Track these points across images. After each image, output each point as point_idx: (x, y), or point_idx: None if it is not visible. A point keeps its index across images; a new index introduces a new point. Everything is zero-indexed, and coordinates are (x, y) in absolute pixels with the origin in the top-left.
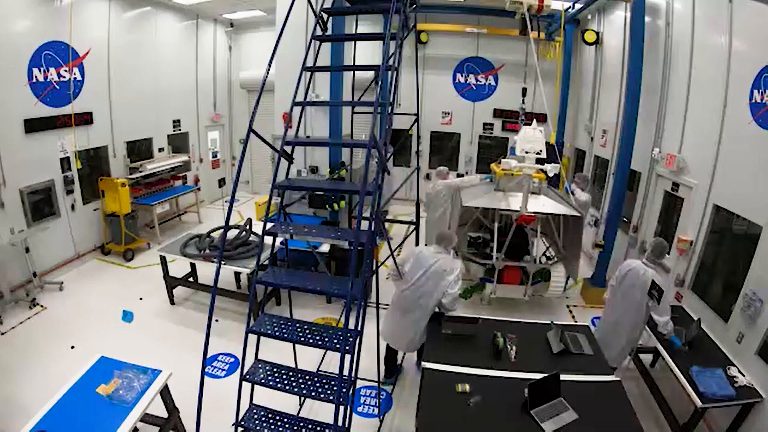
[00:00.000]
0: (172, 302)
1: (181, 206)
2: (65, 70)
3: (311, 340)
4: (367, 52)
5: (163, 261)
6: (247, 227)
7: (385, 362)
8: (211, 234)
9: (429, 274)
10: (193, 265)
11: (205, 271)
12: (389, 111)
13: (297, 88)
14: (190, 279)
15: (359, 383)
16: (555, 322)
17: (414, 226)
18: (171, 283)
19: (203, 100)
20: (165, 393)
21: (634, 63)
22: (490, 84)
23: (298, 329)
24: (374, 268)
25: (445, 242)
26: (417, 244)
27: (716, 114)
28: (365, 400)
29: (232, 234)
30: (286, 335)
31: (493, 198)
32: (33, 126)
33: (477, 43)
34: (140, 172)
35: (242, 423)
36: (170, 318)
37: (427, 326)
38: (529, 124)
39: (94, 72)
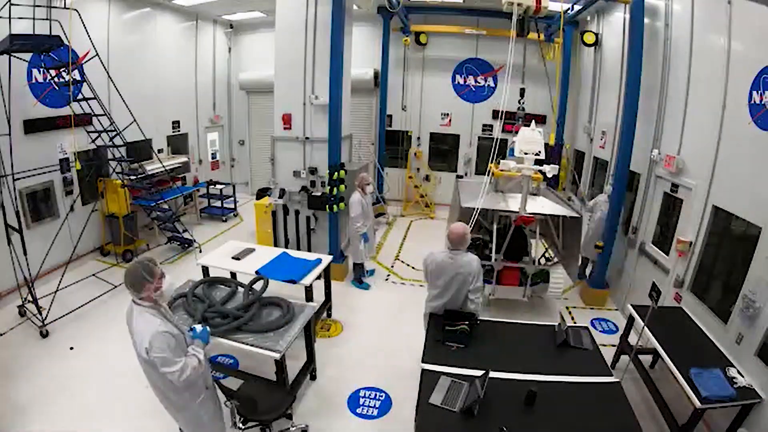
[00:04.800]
0: None
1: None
2: (64, 71)
3: None
4: (364, 52)
5: None
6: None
7: None
8: (200, 294)
9: (452, 280)
10: None
11: None
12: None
13: None
14: None
15: (359, 384)
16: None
17: None
18: None
19: (203, 101)
20: None
21: (634, 64)
22: (489, 85)
23: None
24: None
25: (461, 245)
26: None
27: (715, 115)
28: (364, 402)
29: (224, 290)
30: None
31: (492, 199)
32: (32, 127)
33: (476, 44)
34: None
35: None
36: None
37: (429, 328)
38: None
39: (93, 73)
